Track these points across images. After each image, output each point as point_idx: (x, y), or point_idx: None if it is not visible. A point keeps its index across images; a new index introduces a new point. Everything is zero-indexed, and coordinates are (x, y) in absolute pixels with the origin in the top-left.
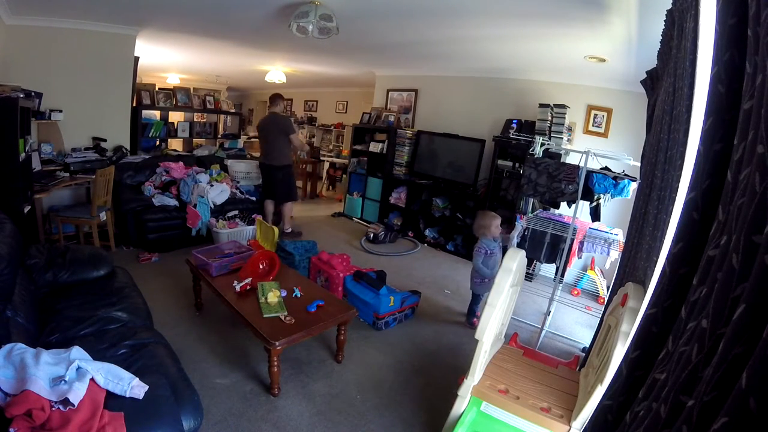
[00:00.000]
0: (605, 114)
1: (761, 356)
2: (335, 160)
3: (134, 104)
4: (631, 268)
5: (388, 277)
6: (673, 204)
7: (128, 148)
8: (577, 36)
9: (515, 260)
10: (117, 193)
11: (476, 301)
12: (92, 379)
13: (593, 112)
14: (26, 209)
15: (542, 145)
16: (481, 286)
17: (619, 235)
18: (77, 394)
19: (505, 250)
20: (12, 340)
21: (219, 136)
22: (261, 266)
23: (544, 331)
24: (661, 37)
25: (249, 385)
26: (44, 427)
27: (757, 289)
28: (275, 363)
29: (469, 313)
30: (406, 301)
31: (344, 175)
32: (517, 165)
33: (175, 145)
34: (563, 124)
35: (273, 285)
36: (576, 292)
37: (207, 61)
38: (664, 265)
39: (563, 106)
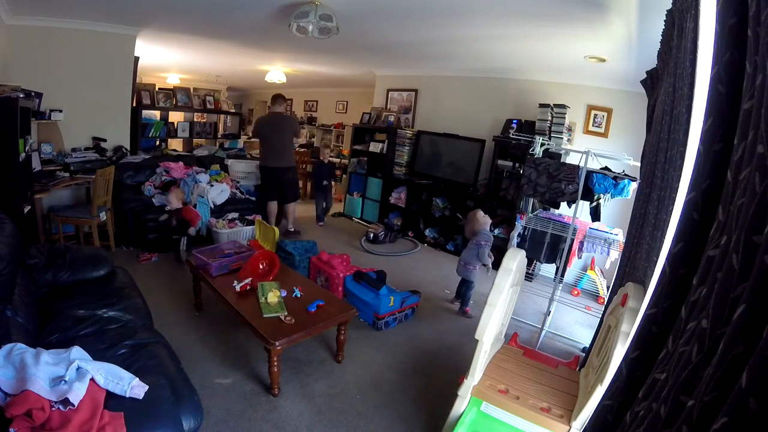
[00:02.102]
0: (605, 114)
1: (761, 356)
2: (335, 160)
3: (134, 104)
4: (631, 268)
5: (388, 277)
6: (673, 204)
7: (128, 148)
8: (577, 36)
9: (515, 260)
10: (117, 193)
11: (468, 287)
12: (92, 379)
13: (593, 112)
14: (26, 209)
15: (542, 145)
16: (473, 272)
17: (619, 235)
18: (77, 394)
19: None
20: (12, 340)
21: (219, 136)
22: (261, 266)
23: (544, 331)
24: (661, 37)
25: (249, 385)
26: (44, 427)
27: (757, 289)
28: (275, 363)
29: (461, 298)
30: (406, 301)
31: (344, 175)
32: (517, 165)
33: (175, 145)
34: (563, 124)
35: (273, 285)
36: (576, 292)
37: (207, 61)
38: (664, 265)
39: (563, 106)
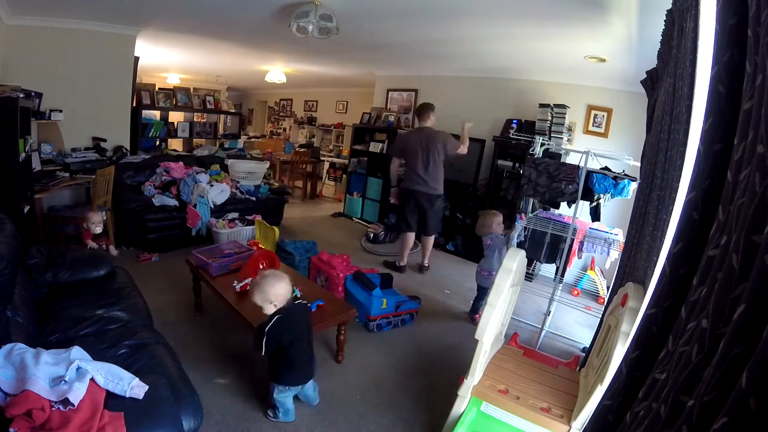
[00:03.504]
0: (605, 114)
1: (761, 356)
2: (335, 160)
3: (134, 104)
4: (631, 268)
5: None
6: (673, 204)
7: (128, 148)
8: (577, 36)
9: (515, 260)
10: (117, 193)
11: (481, 296)
12: (92, 379)
13: (593, 112)
14: (26, 209)
15: (542, 145)
16: (488, 279)
17: (619, 235)
18: (77, 394)
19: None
20: (12, 340)
21: (219, 136)
22: (261, 266)
23: (544, 331)
24: (661, 37)
25: (249, 385)
26: (44, 427)
27: (757, 289)
28: None
29: (473, 309)
30: (402, 305)
31: (344, 175)
32: (517, 165)
33: (175, 145)
34: (563, 124)
35: None
36: (576, 292)
37: (207, 61)
38: (664, 265)
39: (563, 106)
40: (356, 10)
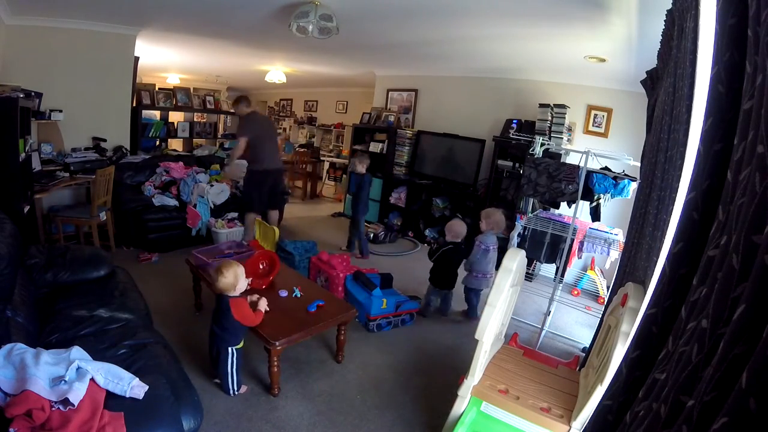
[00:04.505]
0: (605, 114)
1: (761, 356)
2: (335, 160)
3: (134, 104)
4: (631, 268)
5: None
6: (673, 204)
7: (128, 148)
8: (577, 36)
9: (515, 260)
10: (117, 193)
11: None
12: (92, 379)
13: (593, 112)
14: (26, 209)
15: (542, 145)
16: (483, 280)
17: (619, 235)
18: (77, 394)
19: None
20: (12, 340)
21: (219, 136)
22: (261, 266)
23: (544, 331)
24: (661, 37)
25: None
26: (44, 427)
27: (757, 289)
28: (275, 363)
29: (469, 306)
30: (402, 305)
31: (344, 175)
32: (517, 165)
33: (175, 145)
34: (563, 124)
35: None
36: (576, 292)
37: (207, 61)
38: (664, 265)
39: (563, 106)
40: (356, 10)
